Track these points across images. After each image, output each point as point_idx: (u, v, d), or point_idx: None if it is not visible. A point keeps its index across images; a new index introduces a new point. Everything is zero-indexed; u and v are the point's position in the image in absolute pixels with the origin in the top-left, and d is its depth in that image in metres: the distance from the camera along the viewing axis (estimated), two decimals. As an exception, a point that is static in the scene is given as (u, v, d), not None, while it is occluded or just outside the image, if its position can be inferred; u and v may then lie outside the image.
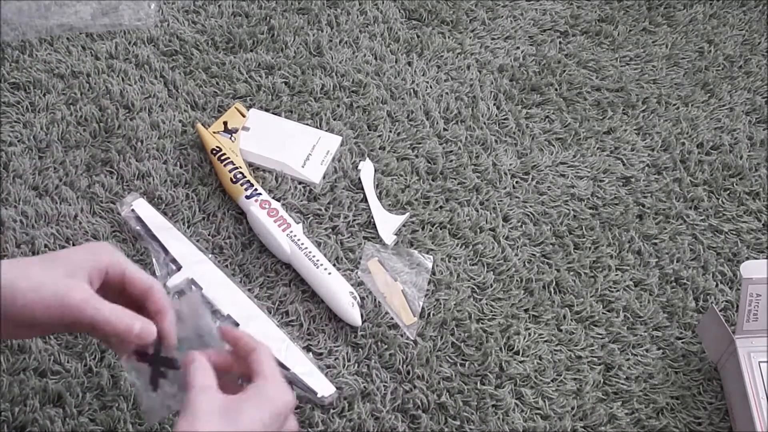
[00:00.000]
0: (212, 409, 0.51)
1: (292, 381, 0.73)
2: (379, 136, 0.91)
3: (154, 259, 0.79)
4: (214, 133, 0.88)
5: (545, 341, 0.78)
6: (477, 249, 0.83)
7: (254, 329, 0.75)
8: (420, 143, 0.91)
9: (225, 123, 0.89)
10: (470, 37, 1.01)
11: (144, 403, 0.57)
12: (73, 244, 0.81)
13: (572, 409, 0.74)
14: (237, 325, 0.75)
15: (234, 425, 0.50)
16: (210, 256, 0.80)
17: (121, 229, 0.82)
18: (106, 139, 0.89)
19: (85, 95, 0.92)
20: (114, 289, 0.55)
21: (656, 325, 0.80)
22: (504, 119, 0.93)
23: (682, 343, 0.79)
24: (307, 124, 0.91)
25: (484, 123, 0.93)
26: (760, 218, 0.87)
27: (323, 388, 0.72)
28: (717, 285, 0.82)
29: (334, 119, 0.92)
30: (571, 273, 0.82)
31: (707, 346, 0.77)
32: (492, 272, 0.82)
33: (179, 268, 0.79)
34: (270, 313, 0.78)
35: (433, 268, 0.81)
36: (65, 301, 0.51)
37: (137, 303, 0.55)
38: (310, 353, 0.75)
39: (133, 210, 0.82)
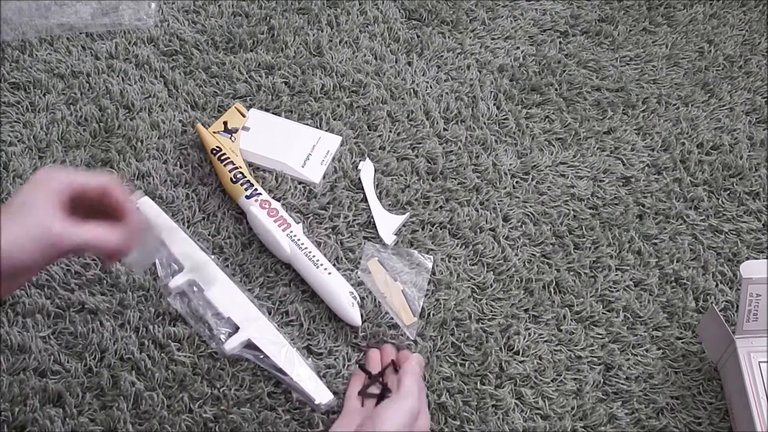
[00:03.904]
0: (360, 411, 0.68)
1: (290, 386, 0.73)
2: (379, 136, 0.91)
3: (156, 259, 0.79)
4: (214, 133, 0.88)
5: (545, 341, 0.78)
6: (477, 249, 0.83)
7: (254, 333, 0.75)
8: (420, 143, 0.91)
9: (225, 123, 0.89)
10: (470, 37, 1.01)
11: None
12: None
13: (572, 409, 0.74)
14: (237, 328, 0.75)
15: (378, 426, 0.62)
16: (213, 257, 0.80)
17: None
18: (106, 139, 0.89)
19: (85, 95, 0.92)
20: (83, 203, 0.56)
21: (656, 325, 0.80)
22: (504, 119, 0.93)
23: (682, 343, 0.79)
24: (307, 124, 0.91)
25: (484, 123, 0.93)
26: (760, 218, 0.87)
27: (321, 395, 0.72)
28: (717, 285, 0.82)
29: (334, 119, 0.92)
30: (571, 273, 0.82)
31: (707, 346, 0.77)
32: (492, 272, 0.82)
33: (182, 268, 0.79)
34: (270, 313, 0.78)
35: (433, 268, 0.81)
36: (46, 242, 0.52)
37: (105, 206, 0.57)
38: (310, 359, 0.75)
39: (137, 208, 0.82)
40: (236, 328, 0.75)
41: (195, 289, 0.78)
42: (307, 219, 0.84)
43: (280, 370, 0.73)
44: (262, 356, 0.74)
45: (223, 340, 0.75)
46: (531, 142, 0.92)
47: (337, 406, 0.73)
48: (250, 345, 0.75)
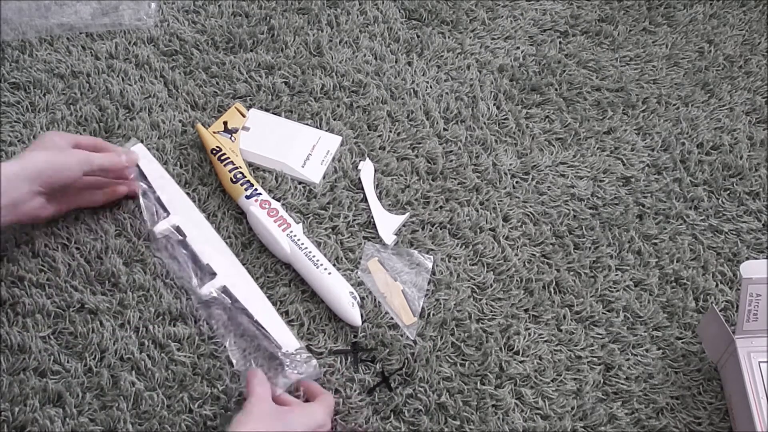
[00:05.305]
0: (265, 412, 0.65)
1: (259, 337, 0.74)
2: (379, 136, 0.91)
3: (141, 199, 0.81)
4: (214, 133, 0.88)
5: (545, 341, 0.78)
6: (477, 249, 0.83)
7: (230, 280, 0.77)
8: (420, 143, 0.91)
9: (225, 123, 0.89)
10: (470, 37, 1.01)
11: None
12: (74, 244, 0.81)
13: (572, 409, 0.74)
14: (214, 274, 0.78)
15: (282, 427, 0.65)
16: (197, 206, 0.82)
17: (123, 228, 0.82)
18: (106, 139, 0.89)
19: (85, 95, 0.92)
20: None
21: (656, 325, 0.80)
22: (504, 119, 0.93)
23: (682, 343, 0.79)
24: (307, 124, 0.91)
25: (484, 123, 0.93)
26: (760, 218, 0.87)
27: (287, 343, 0.74)
28: (717, 285, 0.82)
29: (334, 119, 0.92)
30: (571, 273, 0.82)
31: (707, 346, 0.77)
32: (492, 272, 0.82)
33: (168, 214, 0.80)
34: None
35: (433, 268, 0.81)
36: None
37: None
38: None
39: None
40: (213, 275, 0.77)
41: (179, 236, 0.79)
42: (307, 219, 0.84)
43: (251, 318, 0.75)
44: (232, 302, 0.76)
45: (199, 285, 0.76)
46: (531, 142, 0.92)
47: (339, 404, 0.73)
48: (225, 292, 0.77)
